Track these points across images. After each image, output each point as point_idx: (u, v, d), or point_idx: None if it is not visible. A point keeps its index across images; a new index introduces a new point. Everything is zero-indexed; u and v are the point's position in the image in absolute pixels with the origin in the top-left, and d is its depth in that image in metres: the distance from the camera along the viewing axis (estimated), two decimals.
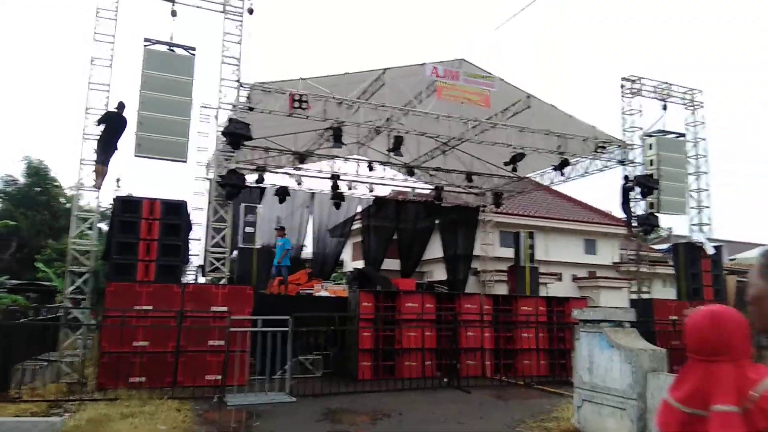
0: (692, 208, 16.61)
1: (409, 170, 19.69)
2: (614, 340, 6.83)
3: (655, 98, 16.50)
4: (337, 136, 13.74)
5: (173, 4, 12.05)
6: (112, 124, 11.24)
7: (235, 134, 11.83)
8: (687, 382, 1.78)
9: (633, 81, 16.26)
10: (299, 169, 19.12)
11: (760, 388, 1.56)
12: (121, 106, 11.38)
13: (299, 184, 19.51)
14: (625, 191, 15.78)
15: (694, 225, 16.56)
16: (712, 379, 1.69)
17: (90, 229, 11.43)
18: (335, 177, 19.21)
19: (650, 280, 16.92)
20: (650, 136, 16.32)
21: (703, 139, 16.91)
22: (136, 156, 11.43)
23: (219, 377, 9.63)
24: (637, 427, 6.30)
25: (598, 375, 7.03)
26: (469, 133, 14.90)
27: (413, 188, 21.67)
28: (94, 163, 11.18)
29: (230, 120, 12.03)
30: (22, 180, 32.09)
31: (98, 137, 11.21)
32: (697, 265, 15.22)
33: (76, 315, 10.90)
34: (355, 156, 19.50)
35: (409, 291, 13.24)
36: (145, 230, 10.60)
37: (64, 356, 10.40)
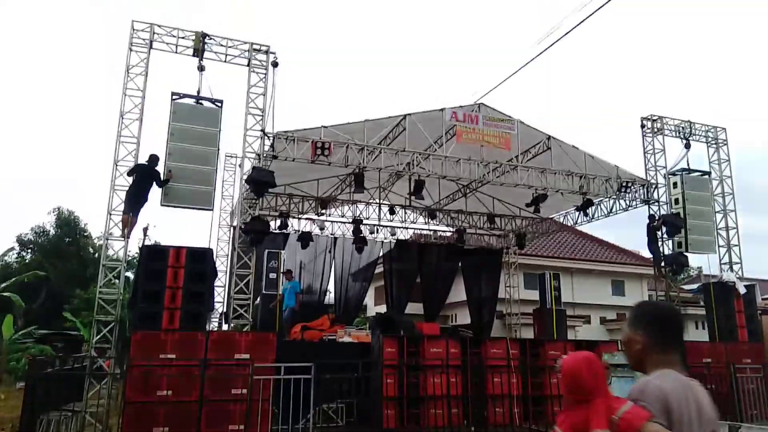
0: (721, 246, 16.28)
1: (431, 213, 19.78)
2: None
3: (677, 137, 16.43)
4: (358, 181, 13.90)
5: (200, 60, 12.55)
6: (143, 176, 11.54)
7: (259, 182, 12.06)
8: (570, 414, 2.39)
9: (654, 120, 16.26)
10: (322, 214, 19.33)
11: (619, 413, 2.19)
12: (153, 159, 11.67)
13: (322, 229, 19.69)
14: (652, 231, 15.55)
15: (724, 264, 16.18)
16: (590, 412, 2.28)
17: (117, 278, 11.63)
18: (357, 221, 19.35)
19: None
20: (674, 174, 16.18)
21: (729, 177, 16.71)
22: (162, 205, 11.74)
23: (242, 427, 9.52)
24: None
25: None
26: (489, 176, 14.96)
27: (435, 231, 21.70)
28: (123, 213, 11.45)
29: (254, 168, 12.29)
30: (52, 231, 32.93)
31: (129, 187, 11.53)
32: (729, 306, 14.77)
33: (101, 364, 10.96)
34: (377, 200, 19.67)
35: (433, 336, 13.05)
36: (171, 278, 10.71)
37: (88, 406, 10.41)
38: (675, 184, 16.03)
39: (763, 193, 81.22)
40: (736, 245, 16.30)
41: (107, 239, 11.63)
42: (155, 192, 11.64)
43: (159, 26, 12.37)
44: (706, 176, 16.51)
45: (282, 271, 15.76)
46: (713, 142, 16.87)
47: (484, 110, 14.66)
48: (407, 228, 21.01)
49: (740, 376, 13.14)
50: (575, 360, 2.45)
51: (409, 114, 14.13)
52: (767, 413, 13.09)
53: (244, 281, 12.13)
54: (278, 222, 18.58)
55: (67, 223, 32.77)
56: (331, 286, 21.44)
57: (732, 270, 15.77)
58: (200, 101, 12.26)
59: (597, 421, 2.23)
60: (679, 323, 2.52)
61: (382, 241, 20.81)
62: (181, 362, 10.14)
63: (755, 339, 14.89)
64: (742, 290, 14.90)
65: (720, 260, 16.30)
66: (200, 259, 11.06)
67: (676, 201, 15.89)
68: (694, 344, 14.59)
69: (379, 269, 21.93)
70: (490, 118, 14.58)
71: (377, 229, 20.08)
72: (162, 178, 11.53)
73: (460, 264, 21.81)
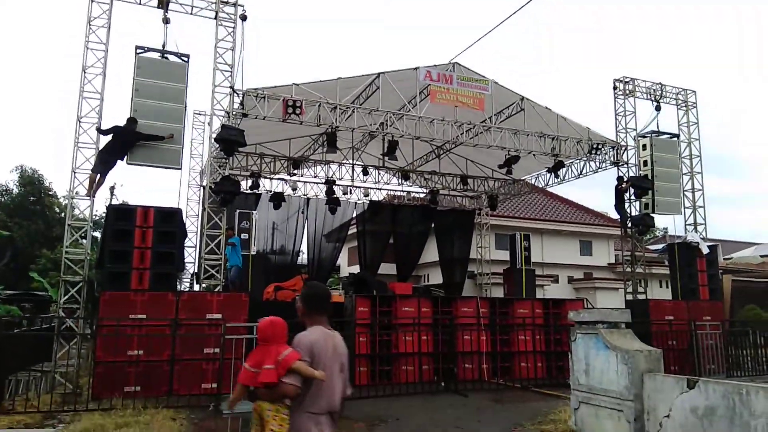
0: (687, 208, 16.65)
1: (404, 174, 19.71)
2: (610, 341, 6.81)
3: (649, 99, 16.55)
4: (331, 141, 13.72)
5: (165, 12, 12.06)
6: (119, 138, 11.14)
7: (229, 141, 11.80)
8: (255, 355, 3.54)
9: (626, 82, 16.31)
10: (294, 174, 19.11)
11: (282, 355, 3.37)
12: (131, 122, 11.23)
13: (294, 189, 19.51)
14: (619, 192, 15.79)
15: (689, 225, 16.58)
16: (266, 353, 3.45)
17: (83, 238, 11.38)
18: (330, 182, 19.21)
19: (646, 281, 16.92)
20: (644, 136, 16.36)
21: (697, 139, 16.97)
22: (129, 164, 11.42)
23: (214, 385, 9.57)
24: (635, 428, 6.27)
25: (594, 377, 7.00)
26: (463, 137, 14.91)
27: (408, 192, 21.70)
28: (90, 171, 11.12)
29: (223, 126, 12.00)
30: (15, 189, 31.96)
31: (102, 147, 11.15)
32: (692, 265, 15.23)
33: (70, 325, 10.83)
34: (350, 161, 19.50)
35: (405, 295, 13.19)
36: (139, 238, 10.53)
37: (58, 366, 10.32)
38: (644, 146, 16.23)
39: (732, 157, 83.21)
40: (701, 207, 16.68)
41: (72, 198, 11.31)
42: None
43: None
44: (675, 138, 16.73)
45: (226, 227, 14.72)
46: (683, 104, 17.04)
47: (459, 70, 14.50)
48: (381, 189, 20.95)
49: (700, 333, 13.67)
50: (265, 321, 3.68)
51: (383, 73, 13.91)
52: (724, 367, 13.70)
53: (215, 242, 11.99)
54: (249, 182, 18.32)
55: (31, 182, 31.81)
56: (304, 247, 21.42)
57: (696, 231, 16.18)
58: (166, 55, 11.83)
59: (269, 359, 3.40)
60: (324, 298, 3.73)
61: (356, 202, 20.74)
62: (152, 322, 10.08)
63: (715, 297, 15.45)
64: (706, 250, 15.34)
65: (685, 221, 16.69)
66: (169, 220, 10.89)
67: (645, 163, 16.12)
68: (657, 302, 15.08)
69: (353, 230, 21.94)
70: (464, 78, 14.44)
71: (350, 190, 19.98)
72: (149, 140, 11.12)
73: (433, 225, 21.95)
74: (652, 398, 6.21)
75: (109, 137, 11.18)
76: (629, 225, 16.18)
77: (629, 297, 16.39)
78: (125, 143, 11.22)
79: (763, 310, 25.28)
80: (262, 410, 3.50)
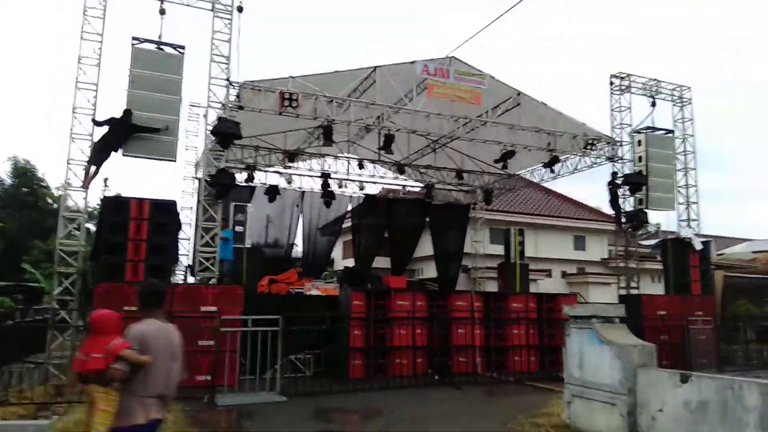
0: (680, 204, 16.73)
1: (400, 168, 19.67)
2: (604, 336, 6.87)
3: (644, 95, 16.60)
4: (327, 134, 13.68)
5: (162, 2, 11.97)
6: (115, 129, 11.07)
7: (225, 133, 11.75)
8: (87, 345, 4.08)
9: (622, 78, 16.35)
10: (289, 167, 19.05)
11: (111, 344, 3.83)
12: (127, 114, 11.16)
13: (289, 182, 19.43)
14: (614, 189, 15.86)
15: (682, 221, 16.68)
16: (96, 343, 3.97)
17: (77, 229, 11.33)
18: (325, 175, 19.15)
19: (639, 276, 17.02)
20: (639, 132, 16.42)
21: (692, 136, 17.05)
22: (124, 156, 11.37)
23: (209, 377, 9.58)
24: (628, 422, 6.34)
25: (588, 371, 7.06)
26: (459, 131, 14.90)
27: (404, 186, 21.68)
28: (86, 163, 11.06)
29: (219, 119, 11.94)
30: (8, 180, 31.75)
31: (98, 138, 11.08)
32: (685, 261, 15.33)
33: (63, 317, 10.79)
34: (346, 154, 19.46)
35: (400, 289, 13.23)
36: (134, 230, 10.51)
37: (51, 358, 10.29)
38: (639, 142, 16.29)
39: (730, 153, 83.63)
40: (695, 203, 16.77)
41: (66, 190, 11.24)
42: None
43: None
44: (670, 135, 16.80)
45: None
46: (678, 100, 17.11)
47: (456, 64, 14.47)
48: (376, 183, 20.91)
49: (692, 328, 13.79)
50: (96, 314, 4.27)
51: (380, 66, 13.84)
52: (715, 362, 13.83)
53: (210, 234, 11.96)
54: (245, 174, 18.25)
55: (24, 173, 31.61)
56: (298, 240, 21.37)
57: (690, 227, 16.27)
58: (161, 47, 11.76)
59: (97, 349, 3.90)
60: (157, 295, 4.19)
61: (351, 196, 20.69)
62: None
63: (708, 293, 15.57)
64: (699, 246, 15.45)
65: (679, 217, 16.80)
66: (164, 211, 10.86)
67: (640, 159, 16.19)
68: (650, 297, 15.20)
69: (348, 223, 21.91)
70: (461, 72, 14.41)
71: (346, 184, 19.93)
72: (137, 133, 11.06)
73: (427, 219, 21.95)
74: (645, 392, 6.27)
75: (105, 129, 11.12)
76: (623, 221, 16.25)
77: (622, 292, 16.48)
78: (121, 135, 11.14)
79: (755, 306, 25.51)
80: (93, 392, 3.97)
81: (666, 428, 5.93)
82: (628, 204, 16.24)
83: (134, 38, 11.54)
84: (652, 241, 27.69)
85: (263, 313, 10.04)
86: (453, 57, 14.44)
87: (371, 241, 21.43)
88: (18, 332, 10.96)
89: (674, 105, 17.11)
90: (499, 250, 21.08)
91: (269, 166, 18.88)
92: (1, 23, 70.34)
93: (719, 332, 14.67)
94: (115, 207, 10.76)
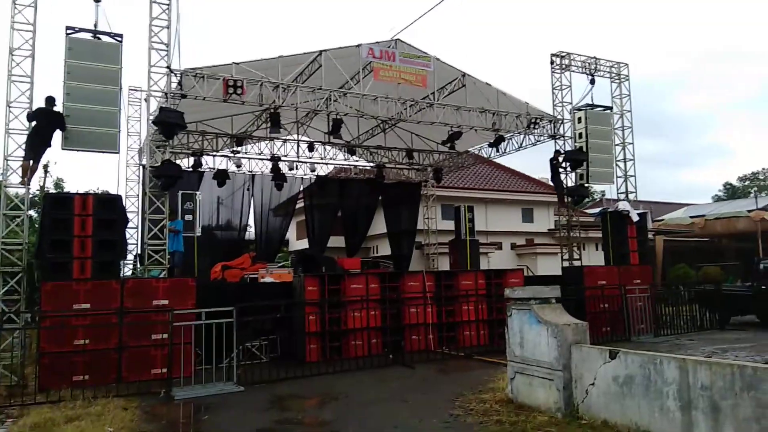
0: (619, 177, 17.52)
1: (350, 149, 19.80)
2: (542, 316, 7.30)
3: (584, 73, 17.15)
4: (274, 121, 13.64)
5: None
6: (43, 120, 10.74)
7: (168, 123, 11.58)
8: None
9: (562, 56, 16.82)
10: (237, 152, 18.88)
11: None
12: (50, 100, 10.82)
13: (239, 166, 19.28)
14: (554, 166, 16.47)
15: (621, 193, 17.49)
16: None
17: (20, 227, 11.04)
18: (275, 159, 19.09)
19: (584, 245, 17.82)
20: (579, 110, 17.00)
21: (629, 111, 17.76)
22: (63, 149, 11.09)
23: (164, 370, 9.66)
24: (564, 396, 6.81)
25: (528, 349, 7.51)
26: (407, 113, 15.11)
27: (355, 166, 21.81)
28: (23, 159, 10.74)
29: (161, 109, 11.75)
30: None
31: (29, 132, 10.75)
32: (623, 232, 16.13)
33: (11, 316, 10.58)
34: (295, 137, 19.41)
35: (353, 273, 13.47)
36: (79, 227, 10.32)
37: (1, 359, 10.13)
38: (579, 119, 16.90)
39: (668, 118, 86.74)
40: (632, 176, 17.59)
41: (6, 187, 10.91)
42: (56, 135, 10.92)
43: None
44: (608, 111, 17.46)
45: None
46: (616, 77, 17.74)
47: (401, 46, 14.59)
48: (327, 164, 20.97)
49: (630, 296, 14.64)
50: None
51: (325, 50, 13.84)
52: (652, 327, 14.77)
53: (158, 226, 11.86)
54: (191, 160, 18.00)
55: None
56: (251, 221, 21.29)
57: (627, 199, 17.08)
58: (98, 36, 11.41)
59: None
60: None
61: (302, 177, 20.71)
62: (97, 312, 10.00)
63: (645, 262, 16.47)
64: (636, 218, 16.26)
65: (617, 190, 17.61)
66: (109, 207, 10.72)
67: (580, 135, 16.82)
68: (591, 268, 16.00)
69: (300, 204, 21.97)
70: (406, 55, 14.55)
71: (296, 166, 19.93)
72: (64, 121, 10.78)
73: (380, 198, 22.22)
74: (579, 368, 6.76)
75: (35, 121, 10.79)
76: (566, 197, 16.92)
77: (566, 264, 17.25)
78: (51, 125, 10.84)
79: (691, 269, 27.07)
80: None
81: (598, 401, 6.44)
82: (570, 180, 16.90)
83: (68, 28, 11.15)
84: (596, 210, 28.87)
85: (218, 302, 10.11)
86: (398, 40, 14.56)
87: (324, 221, 21.60)
88: None
89: (612, 81, 17.75)
90: (451, 225, 21.63)
91: (216, 150, 18.67)
92: None
93: (656, 298, 15.62)
94: (58, 203, 10.53)
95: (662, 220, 35.41)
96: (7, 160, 10.74)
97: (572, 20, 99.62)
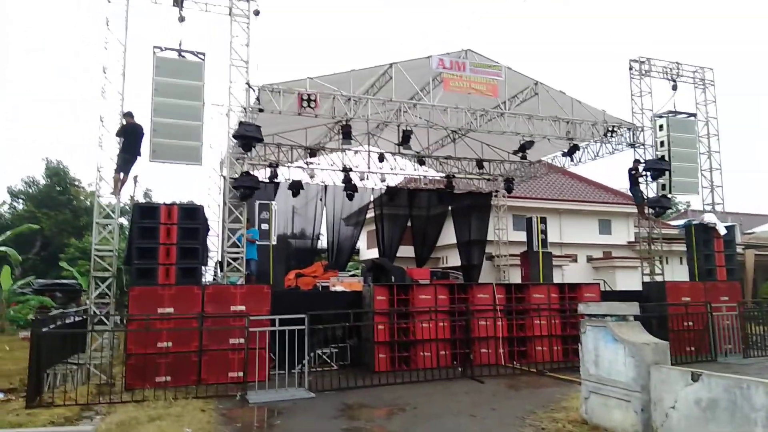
0: (704, 188, 16.57)
1: (420, 160, 19.87)
2: (618, 334, 7.02)
3: (665, 79, 16.41)
4: (346, 133, 13.95)
5: (180, 10, 12.29)
6: (129, 135, 11.57)
7: (246, 137, 12.09)
8: None
9: (642, 62, 16.18)
10: (311, 163, 19.40)
11: None
12: (129, 115, 11.64)
13: (312, 177, 19.80)
14: (634, 176, 15.81)
15: (707, 204, 16.54)
16: None
17: (110, 234, 11.84)
18: (347, 170, 19.46)
19: (667, 258, 16.96)
20: (660, 117, 16.26)
21: (715, 118, 16.80)
22: (150, 161, 11.80)
23: (240, 374, 10.02)
24: (642, 418, 6.51)
25: (603, 367, 7.23)
26: (477, 123, 15.00)
27: (425, 177, 21.87)
28: (114, 172, 11.56)
29: (240, 123, 12.27)
30: (42, 181, 32.81)
31: (120, 147, 11.59)
32: (709, 246, 15.24)
33: (101, 318, 11.36)
34: (366, 148, 19.71)
35: (422, 283, 13.47)
36: (164, 235, 10.96)
37: (92, 358, 10.87)
38: (661, 126, 16.15)
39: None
40: (719, 186, 16.60)
41: (98, 197, 11.76)
42: (144, 148, 11.68)
43: None
44: (692, 118, 16.59)
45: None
46: (700, 83, 16.85)
47: (471, 56, 14.53)
48: (397, 174, 21.16)
49: (716, 314, 13.78)
50: None
51: (395, 63, 14.01)
52: (741, 347, 13.82)
53: (237, 234, 12.36)
54: (268, 172, 18.66)
55: (56, 173, 32.65)
56: (323, 230, 21.78)
57: (714, 211, 16.12)
58: (183, 54, 12.09)
59: None
60: None
61: (373, 188, 21.00)
62: (179, 315, 10.56)
63: (733, 278, 15.46)
64: (723, 231, 15.32)
65: (703, 201, 16.65)
66: (192, 216, 11.27)
67: (662, 143, 16.06)
68: (675, 284, 15.18)
69: (371, 214, 22.25)
70: (477, 65, 14.48)
71: (367, 176, 20.24)
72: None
73: (450, 208, 22.13)
74: (659, 389, 6.44)
75: (122, 138, 11.63)
76: (646, 210, 16.20)
77: (647, 279, 16.47)
78: (136, 139, 11.61)
79: None
80: None
81: (679, 425, 6.10)
82: (651, 190, 16.16)
83: (156, 47, 11.89)
84: (681, 221, 27.38)
85: (291, 309, 10.40)
86: (468, 50, 14.52)
87: (394, 231, 21.78)
88: (61, 335, 11.54)
89: (696, 87, 16.87)
90: (522, 237, 21.16)
91: (291, 162, 19.27)
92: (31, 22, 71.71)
93: (745, 317, 14.60)
94: (145, 213, 11.20)
95: (753, 233, 33.13)
96: (100, 170, 11.58)
97: (654, 15, 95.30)
